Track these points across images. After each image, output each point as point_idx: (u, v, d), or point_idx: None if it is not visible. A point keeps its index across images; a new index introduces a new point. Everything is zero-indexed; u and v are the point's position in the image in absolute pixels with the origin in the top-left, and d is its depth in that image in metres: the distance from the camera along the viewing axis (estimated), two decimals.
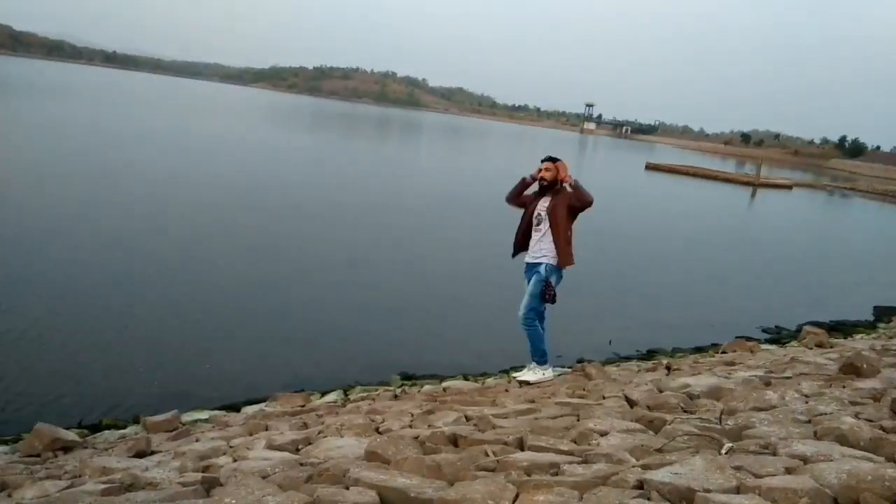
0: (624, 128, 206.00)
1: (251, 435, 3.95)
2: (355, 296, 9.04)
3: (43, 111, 35.18)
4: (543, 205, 5.52)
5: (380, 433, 3.75)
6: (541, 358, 5.59)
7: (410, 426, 3.91)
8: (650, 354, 8.07)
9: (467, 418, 3.94)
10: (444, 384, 6.11)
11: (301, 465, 3.07)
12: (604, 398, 4.22)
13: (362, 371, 6.50)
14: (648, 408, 3.71)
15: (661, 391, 4.11)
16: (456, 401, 4.75)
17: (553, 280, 5.38)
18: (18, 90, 51.01)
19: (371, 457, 2.96)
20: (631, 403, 3.91)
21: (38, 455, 3.89)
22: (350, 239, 13.02)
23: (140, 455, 3.67)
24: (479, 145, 64.93)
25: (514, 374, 5.93)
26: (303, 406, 5.11)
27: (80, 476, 3.28)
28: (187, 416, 4.76)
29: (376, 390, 5.81)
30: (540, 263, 5.43)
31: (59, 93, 55.56)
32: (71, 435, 4.14)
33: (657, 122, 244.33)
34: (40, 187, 14.18)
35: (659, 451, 2.82)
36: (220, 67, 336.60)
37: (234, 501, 2.36)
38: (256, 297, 8.66)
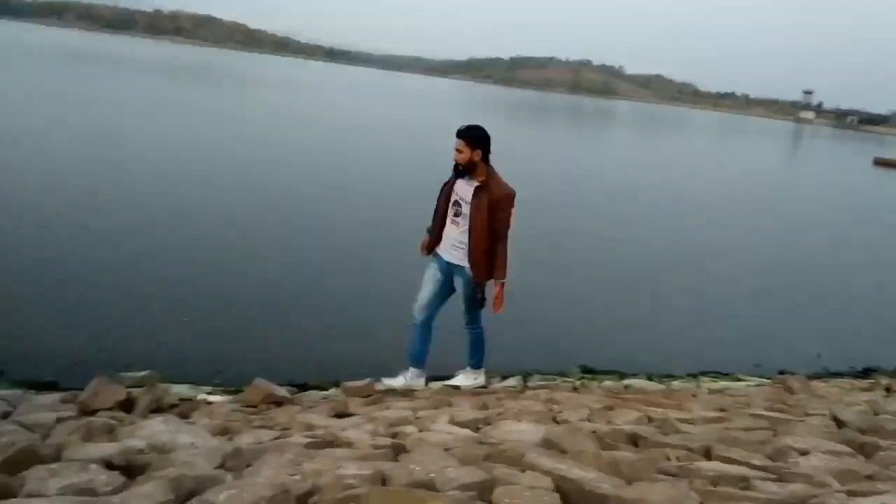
0: (849, 117, 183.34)
1: (436, 409, 4.17)
2: (543, 284, 9.07)
3: (277, 102, 39.41)
4: (467, 189, 4.63)
5: (557, 423, 3.76)
6: (477, 362, 5.21)
7: (588, 420, 3.88)
8: (867, 372, 7.20)
9: (650, 419, 3.82)
10: (626, 382, 5.94)
11: (480, 443, 3.19)
12: (807, 415, 3.86)
13: (542, 359, 6.52)
14: (860, 430, 3.34)
15: (876, 414, 3.67)
16: (638, 400, 4.61)
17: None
18: (255, 83, 57.70)
19: (548, 444, 2.99)
20: (839, 424, 3.54)
21: (255, 406, 4.43)
22: (552, 228, 12.96)
23: (339, 416, 4.04)
24: (670, 136, 61.46)
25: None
26: (484, 387, 5.27)
27: (288, 429, 3.70)
28: (381, 385, 5.12)
29: (555, 380, 5.81)
30: (462, 267, 4.75)
31: (289, 85, 61.86)
32: (282, 391, 4.66)
33: (892, 112, 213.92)
34: (302, 173, 15.98)
35: (869, 477, 2.54)
36: (421, 60, 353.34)
37: (418, 468, 2.52)
38: None
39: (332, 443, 3.17)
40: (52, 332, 5.81)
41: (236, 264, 8.50)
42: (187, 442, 3.14)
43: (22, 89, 25.44)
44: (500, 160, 4.89)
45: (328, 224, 11.38)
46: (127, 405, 4.01)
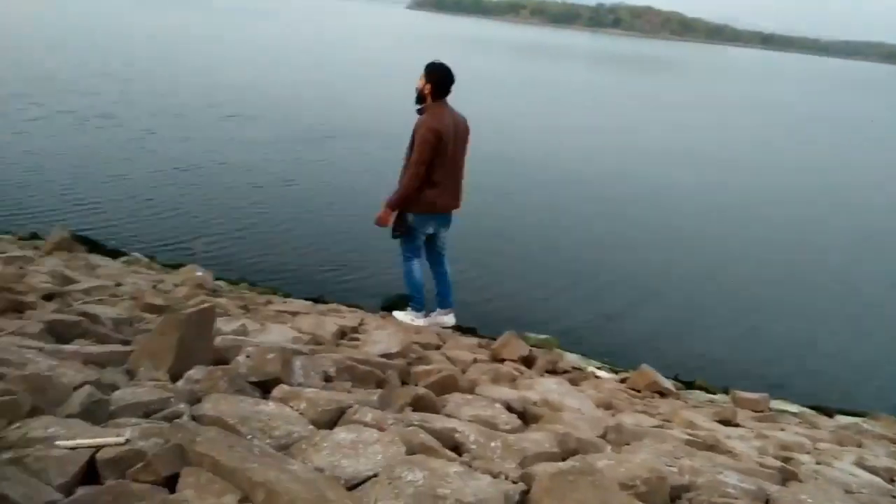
0: None
1: (840, 445, 3.65)
2: None
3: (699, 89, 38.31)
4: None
5: None
6: (411, 299, 5.13)
7: None
8: None
9: None
10: None
11: (893, 497, 2.70)
12: None
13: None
14: None
15: None
16: None
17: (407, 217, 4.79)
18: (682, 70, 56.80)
19: None
20: None
21: (638, 391, 4.51)
22: None
23: (724, 423, 3.85)
24: None
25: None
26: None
27: (669, 420, 3.68)
28: (775, 404, 4.70)
29: None
30: None
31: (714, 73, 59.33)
32: (667, 383, 4.64)
33: None
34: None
35: None
36: (881, 46, 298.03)
37: (811, 501, 2.27)
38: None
39: (713, 447, 3.06)
40: (478, 287, 6.81)
41: (671, 262, 8.60)
42: (574, 406, 3.39)
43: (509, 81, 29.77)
44: None
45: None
46: (527, 361, 4.50)
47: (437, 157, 4.64)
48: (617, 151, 15.93)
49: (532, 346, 4.86)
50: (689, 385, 5.03)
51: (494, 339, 4.85)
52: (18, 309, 3.19)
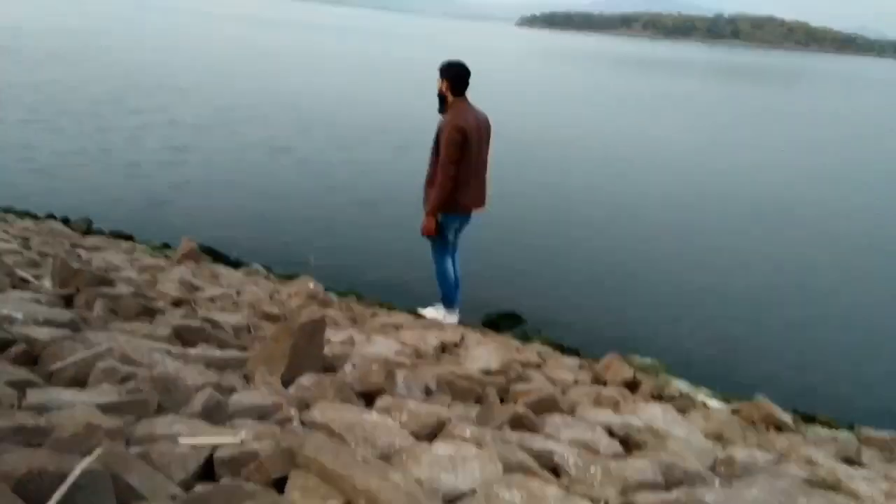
0: None
1: None
2: None
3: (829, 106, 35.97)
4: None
5: None
6: (444, 297, 5.25)
7: None
8: None
9: None
10: None
11: None
12: None
13: None
14: None
15: None
16: None
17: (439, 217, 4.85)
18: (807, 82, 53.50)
19: None
20: None
21: (752, 423, 4.25)
22: None
23: (847, 462, 3.57)
24: None
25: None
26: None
27: (785, 456, 3.45)
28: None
29: None
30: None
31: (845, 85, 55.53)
32: (785, 416, 4.34)
33: None
34: None
35: None
36: None
37: None
38: None
39: (833, 487, 2.84)
40: (583, 306, 6.70)
41: (767, 287, 8.16)
42: (681, 435, 3.25)
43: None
44: None
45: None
46: (632, 385, 4.36)
47: (463, 155, 4.63)
48: (731, 170, 15.21)
49: (637, 369, 4.72)
50: (810, 419, 4.69)
51: (597, 361, 4.74)
52: (150, 313, 3.47)
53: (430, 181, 4.83)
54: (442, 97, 4.75)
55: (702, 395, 4.65)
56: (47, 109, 13.72)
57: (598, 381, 4.36)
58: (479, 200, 4.98)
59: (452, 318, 5.28)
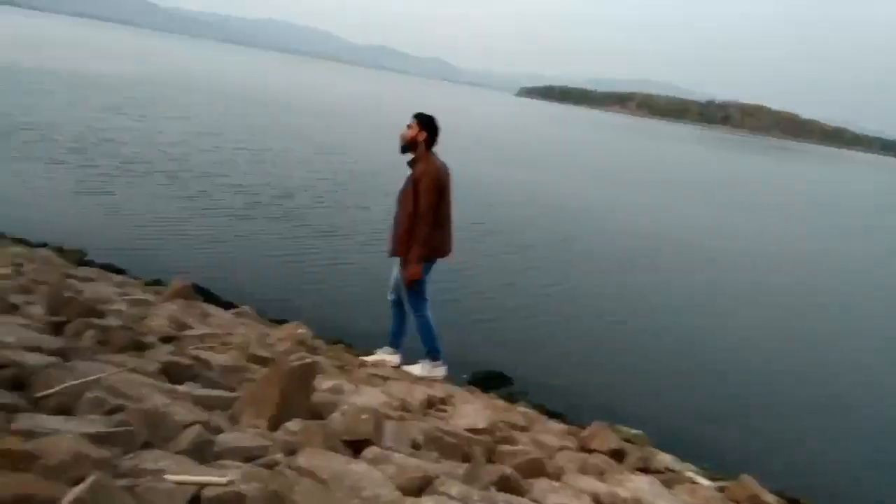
0: None
1: None
2: None
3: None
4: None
5: None
6: (430, 352, 5.11)
7: None
8: None
9: None
10: None
11: None
12: None
13: None
14: None
15: None
16: None
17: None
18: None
19: None
20: None
21: (739, 503, 4.19)
22: None
23: None
24: None
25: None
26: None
27: None
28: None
29: None
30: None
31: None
32: (770, 497, 4.29)
33: None
34: None
35: None
36: None
37: None
38: None
39: None
40: (571, 372, 6.67)
41: (767, 361, 8.18)
42: None
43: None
44: None
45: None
46: (618, 455, 4.31)
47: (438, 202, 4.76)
48: (728, 238, 15.44)
49: (623, 439, 4.67)
50: (794, 503, 4.64)
51: (583, 427, 4.70)
52: (139, 347, 3.43)
53: (402, 231, 4.83)
54: (412, 144, 4.84)
55: (690, 472, 4.60)
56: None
57: (584, 448, 4.30)
58: (449, 246, 5.02)
59: (440, 371, 5.21)
